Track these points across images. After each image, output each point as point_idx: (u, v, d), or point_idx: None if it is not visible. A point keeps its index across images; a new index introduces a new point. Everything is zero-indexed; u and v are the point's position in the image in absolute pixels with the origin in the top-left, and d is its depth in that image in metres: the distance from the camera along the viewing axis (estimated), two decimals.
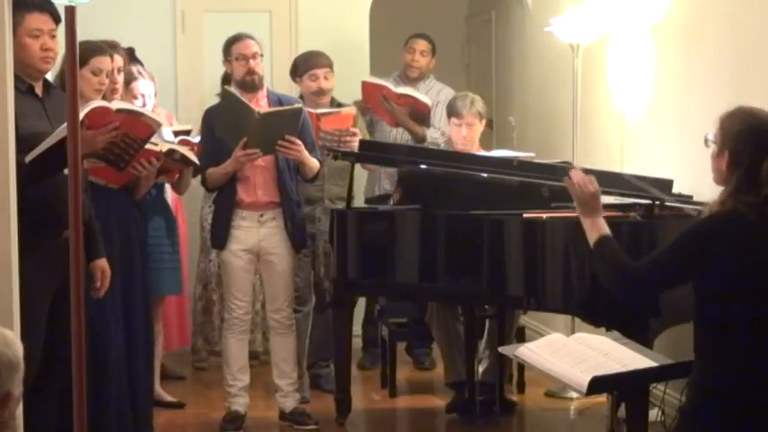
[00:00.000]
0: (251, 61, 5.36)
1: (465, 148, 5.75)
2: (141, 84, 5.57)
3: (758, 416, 3.07)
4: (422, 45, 6.78)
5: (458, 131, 5.80)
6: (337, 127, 5.75)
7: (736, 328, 3.09)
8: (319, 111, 5.74)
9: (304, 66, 6.05)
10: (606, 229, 3.43)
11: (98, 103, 4.24)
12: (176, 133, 5.65)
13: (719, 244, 3.09)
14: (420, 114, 6.37)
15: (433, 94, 6.60)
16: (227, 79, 6.42)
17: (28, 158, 3.82)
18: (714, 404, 3.10)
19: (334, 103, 6.05)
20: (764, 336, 3.07)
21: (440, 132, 6.50)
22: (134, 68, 5.61)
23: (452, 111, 5.84)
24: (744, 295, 3.08)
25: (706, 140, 3.25)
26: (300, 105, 5.34)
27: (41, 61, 4.06)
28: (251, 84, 5.35)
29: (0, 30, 3.62)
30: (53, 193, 3.80)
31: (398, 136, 6.52)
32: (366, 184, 6.69)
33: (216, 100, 6.46)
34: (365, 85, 6.38)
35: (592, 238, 3.43)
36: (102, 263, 4.28)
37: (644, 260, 3.33)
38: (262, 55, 5.44)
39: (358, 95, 6.55)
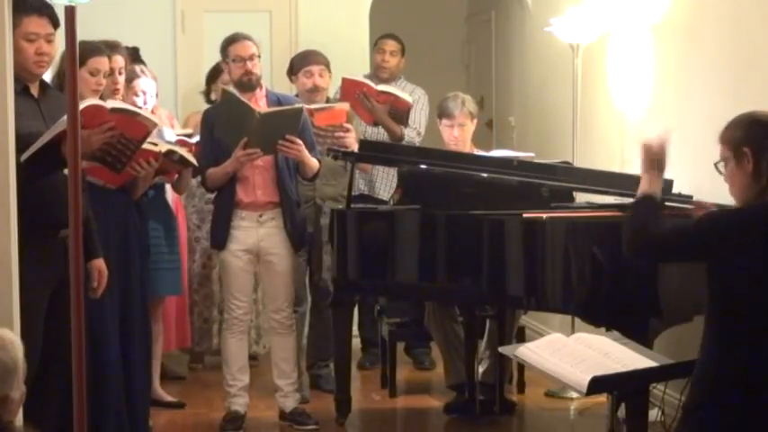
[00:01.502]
0: (248, 63, 5.33)
1: (457, 149, 5.72)
2: (142, 81, 5.57)
3: (763, 413, 3.07)
4: (391, 45, 6.76)
5: (450, 132, 5.77)
6: (330, 122, 5.73)
7: (750, 324, 3.08)
8: (313, 106, 5.73)
9: (300, 63, 6.05)
10: (657, 191, 3.41)
11: (92, 101, 4.20)
12: (178, 135, 5.65)
13: (747, 235, 3.09)
14: (399, 113, 6.32)
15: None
16: (213, 76, 6.42)
17: (23, 157, 3.81)
18: (719, 401, 3.10)
19: (330, 102, 6.04)
20: None
21: (415, 132, 6.49)
22: (137, 67, 5.62)
23: (443, 112, 5.79)
24: (760, 291, 3.07)
25: (717, 167, 3.26)
26: (301, 105, 5.33)
27: (35, 65, 4.05)
28: (248, 84, 5.34)
29: (0, 30, 3.63)
30: (50, 193, 3.80)
31: (374, 135, 6.49)
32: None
33: (200, 97, 6.47)
34: (345, 82, 6.34)
35: (641, 190, 3.42)
36: (100, 263, 4.27)
37: (669, 228, 3.36)
38: (259, 55, 5.43)
39: None
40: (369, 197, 6.49)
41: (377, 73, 6.72)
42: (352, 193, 6.40)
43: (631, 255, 3.43)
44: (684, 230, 3.31)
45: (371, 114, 6.30)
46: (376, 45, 6.82)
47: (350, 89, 6.29)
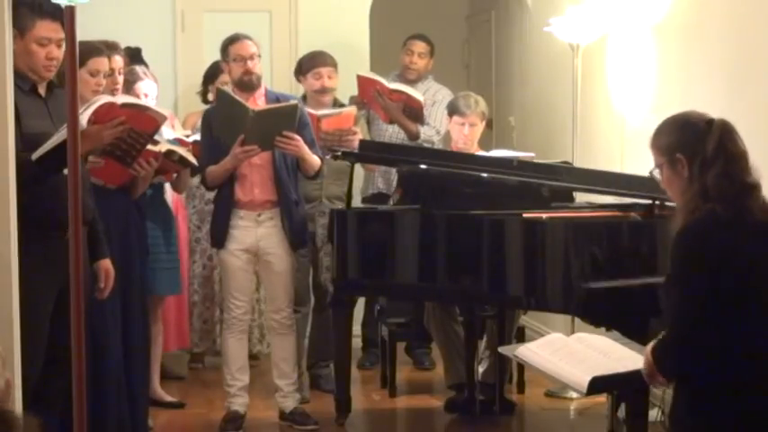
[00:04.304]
0: (248, 62, 5.34)
1: (465, 148, 5.75)
2: (144, 84, 5.57)
3: (755, 416, 3.07)
4: (420, 47, 6.77)
5: (460, 130, 5.79)
6: (338, 127, 5.74)
7: (734, 326, 3.08)
8: (320, 112, 5.74)
9: (309, 64, 6.06)
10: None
11: (104, 98, 4.23)
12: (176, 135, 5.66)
13: (711, 247, 3.07)
14: (413, 111, 6.35)
15: (430, 94, 6.58)
16: (210, 76, 6.42)
17: (34, 156, 3.83)
18: (707, 409, 3.09)
19: (336, 104, 6.05)
20: (762, 332, 3.06)
21: (435, 131, 6.50)
22: (139, 69, 5.62)
23: (455, 109, 5.82)
24: (743, 292, 3.07)
25: (652, 174, 3.23)
26: (296, 102, 5.33)
27: (44, 69, 4.07)
28: (248, 84, 5.34)
29: (0, 30, 3.63)
30: (56, 194, 3.80)
31: (395, 134, 6.51)
32: (363, 183, 6.70)
33: (196, 98, 6.48)
34: (360, 79, 6.37)
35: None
36: (106, 263, 4.28)
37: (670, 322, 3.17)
38: (260, 55, 5.43)
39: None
40: (387, 195, 6.50)
41: (404, 74, 6.72)
42: (370, 192, 6.49)
43: (683, 371, 3.20)
44: (678, 296, 3.09)
45: (386, 112, 6.32)
46: (405, 46, 6.80)
47: (366, 86, 6.32)
